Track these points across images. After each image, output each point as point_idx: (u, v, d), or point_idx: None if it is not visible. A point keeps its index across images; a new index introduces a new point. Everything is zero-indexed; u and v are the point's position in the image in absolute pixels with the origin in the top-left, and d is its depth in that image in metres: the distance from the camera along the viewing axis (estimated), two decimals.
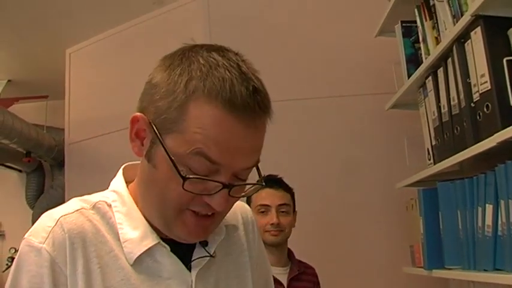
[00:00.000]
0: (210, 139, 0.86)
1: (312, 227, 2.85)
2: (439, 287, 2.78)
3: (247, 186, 0.96)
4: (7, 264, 5.23)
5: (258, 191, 0.98)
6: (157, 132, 0.90)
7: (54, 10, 3.79)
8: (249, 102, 0.87)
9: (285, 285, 2.24)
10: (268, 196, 2.29)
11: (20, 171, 5.64)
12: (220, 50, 0.92)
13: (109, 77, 3.96)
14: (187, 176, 0.87)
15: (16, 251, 5.18)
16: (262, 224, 2.21)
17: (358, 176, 3.02)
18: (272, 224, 2.25)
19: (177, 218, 0.93)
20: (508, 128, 1.54)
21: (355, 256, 2.94)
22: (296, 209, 2.41)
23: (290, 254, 2.40)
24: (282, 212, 2.30)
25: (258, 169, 0.97)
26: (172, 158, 0.88)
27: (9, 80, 5.12)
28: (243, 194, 0.97)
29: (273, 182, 2.33)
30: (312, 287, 2.39)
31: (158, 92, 0.91)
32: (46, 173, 5.62)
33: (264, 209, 2.27)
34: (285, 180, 2.40)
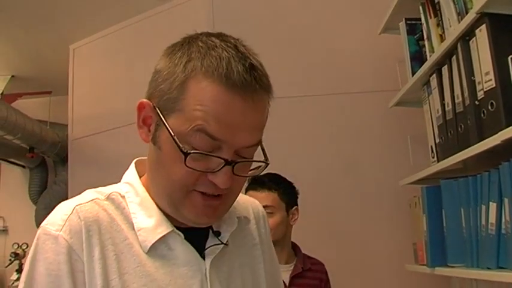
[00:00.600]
0: (210, 115, 0.89)
1: (315, 224, 2.85)
2: (441, 285, 2.78)
3: (253, 166, 0.97)
4: (10, 260, 5.23)
5: (263, 170, 0.99)
6: (160, 113, 0.93)
7: (58, 6, 3.79)
8: (246, 78, 0.89)
9: (287, 282, 2.23)
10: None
11: (23, 166, 5.64)
12: (220, 35, 0.96)
13: (112, 73, 3.96)
14: (188, 152, 0.90)
15: (19, 246, 5.20)
16: None
17: (361, 174, 3.02)
18: None
19: (185, 199, 0.95)
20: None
21: (358, 253, 2.94)
22: (297, 205, 2.37)
23: (296, 249, 2.38)
24: (267, 213, 2.25)
25: (262, 149, 0.98)
26: (174, 136, 0.90)
27: (12, 76, 5.11)
28: (249, 172, 0.98)
29: (255, 183, 2.29)
30: (318, 284, 2.35)
31: (161, 75, 0.95)
32: (49, 168, 5.62)
33: None
34: (288, 177, 2.37)
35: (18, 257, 5.18)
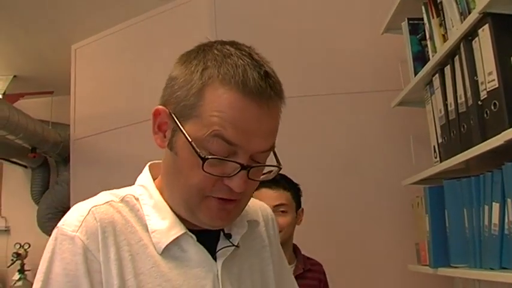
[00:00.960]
0: (227, 121, 0.92)
1: (317, 225, 2.84)
2: (444, 286, 2.77)
3: (265, 170, 1.01)
4: (12, 260, 5.22)
5: (276, 174, 1.02)
6: (176, 120, 0.96)
7: (60, 6, 3.79)
8: (261, 85, 0.93)
9: None
10: (265, 197, 2.26)
11: (25, 166, 5.64)
12: (234, 43, 0.99)
13: (115, 73, 3.96)
14: (206, 157, 0.92)
15: (21, 246, 5.20)
16: None
17: (364, 174, 3.02)
18: None
19: (201, 204, 0.97)
20: None
21: (359, 253, 2.94)
22: (302, 206, 2.39)
23: (296, 251, 2.39)
24: (281, 211, 2.27)
25: (275, 154, 1.01)
26: (192, 141, 0.93)
27: (14, 76, 5.11)
28: (262, 177, 1.01)
29: (270, 181, 2.29)
30: (317, 284, 2.37)
31: (177, 83, 0.97)
32: (51, 168, 5.62)
33: None
34: (290, 177, 2.38)
35: (20, 257, 5.17)
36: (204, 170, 0.93)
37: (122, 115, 3.75)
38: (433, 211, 2.20)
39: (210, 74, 0.94)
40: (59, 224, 0.97)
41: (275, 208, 2.26)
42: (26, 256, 5.16)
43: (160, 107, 0.99)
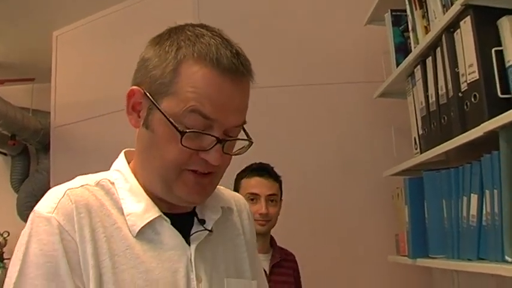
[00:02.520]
0: (203, 96, 0.96)
1: (297, 215, 2.85)
2: (423, 277, 2.81)
3: (239, 146, 1.04)
4: None
5: (247, 149, 1.05)
6: (152, 98, 0.99)
7: None
8: (234, 63, 0.98)
9: (267, 271, 2.25)
10: (258, 185, 2.29)
11: (4, 154, 5.58)
12: (204, 25, 1.04)
13: (96, 60, 3.92)
14: (184, 131, 0.96)
15: (0, 234, 5.14)
16: None
17: (346, 165, 3.02)
18: (261, 213, 2.26)
19: (177, 179, 1.00)
20: (494, 118, 1.55)
21: (340, 244, 2.95)
22: (282, 197, 2.41)
23: (272, 241, 2.41)
24: (271, 201, 2.30)
25: (244, 130, 1.05)
26: (169, 117, 0.96)
27: None
28: (235, 152, 1.05)
29: (264, 170, 2.33)
30: (291, 273, 2.42)
31: (151, 63, 1.00)
32: (31, 156, 5.56)
33: (253, 197, 2.27)
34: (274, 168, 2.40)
35: None
36: (182, 144, 0.96)
37: (103, 103, 3.72)
38: (413, 202, 2.22)
39: (184, 53, 0.97)
40: (35, 208, 0.99)
41: (268, 197, 2.29)
42: (5, 244, 5.11)
43: (135, 87, 1.02)
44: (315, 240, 2.92)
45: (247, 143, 1.05)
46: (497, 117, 1.53)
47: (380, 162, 2.77)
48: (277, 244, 2.43)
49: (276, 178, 2.36)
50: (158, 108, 0.98)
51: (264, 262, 2.27)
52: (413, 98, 2.37)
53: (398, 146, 2.69)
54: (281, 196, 2.38)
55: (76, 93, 4.05)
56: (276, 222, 2.34)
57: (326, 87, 3.09)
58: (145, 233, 1.01)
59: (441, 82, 1.99)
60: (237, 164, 2.35)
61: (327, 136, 3.06)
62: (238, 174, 2.35)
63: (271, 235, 2.41)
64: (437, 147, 2.00)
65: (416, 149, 2.37)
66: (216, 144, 0.98)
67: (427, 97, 2.16)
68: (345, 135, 3.06)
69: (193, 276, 1.02)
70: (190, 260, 1.03)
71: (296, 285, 2.43)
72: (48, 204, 0.98)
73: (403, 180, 2.32)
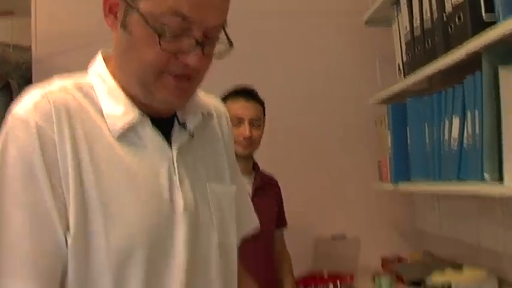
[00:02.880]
0: None
1: (281, 140, 2.87)
2: (405, 203, 2.86)
3: (219, 49, 1.02)
4: None
5: (227, 52, 1.03)
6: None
7: None
8: None
9: (251, 194, 2.26)
10: (242, 108, 2.28)
11: None
12: None
13: None
14: (163, 31, 0.94)
15: None
16: (235, 136, 2.20)
17: (330, 93, 3.00)
18: (245, 137, 2.26)
19: (156, 82, 0.99)
20: (477, 38, 1.55)
21: (324, 171, 2.97)
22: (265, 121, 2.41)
23: (255, 165, 2.43)
24: (254, 125, 2.30)
25: (225, 32, 1.03)
26: (147, 18, 0.95)
27: None
28: (215, 53, 1.03)
29: (248, 94, 2.31)
30: (274, 195, 2.45)
31: None
32: (14, 91, 5.50)
33: (237, 121, 2.26)
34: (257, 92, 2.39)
35: None
36: (160, 46, 0.94)
37: (86, 33, 3.63)
38: (395, 128, 2.25)
39: None
40: (12, 111, 0.98)
41: (252, 121, 2.28)
42: None
43: None
44: (300, 167, 2.94)
45: (227, 46, 1.02)
46: (481, 37, 1.53)
47: (365, 92, 2.77)
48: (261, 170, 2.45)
49: (259, 102, 2.34)
50: (136, 8, 0.95)
51: (248, 185, 2.29)
52: (398, 25, 2.35)
53: (383, 76, 2.70)
54: (264, 120, 2.38)
55: (57, 25, 3.96)
56: (258, 145, 2.34)
57: (311, 15, 3.03)
58: (127, 136, 1.01)
59: (426, 5, 1.98)
60: (226, 87, 2.35)
61: (311, 64, 3.01)
62: (222, 98, 2.34)
63: (254, 160, 2.42)
64: (421, 70, 2.00)
65: (400, 74, 2.37)
66: (195, 46, 0.96)
67: (411, 22, 2.14)
68: (329, 64, 3.02)
69: (175, 178, 1.03)
70: (173, 161, 1.04)
71: (278, 210, 2.46)
72: (26, 106, 0.97)
73: (386, 107, 2.34)
